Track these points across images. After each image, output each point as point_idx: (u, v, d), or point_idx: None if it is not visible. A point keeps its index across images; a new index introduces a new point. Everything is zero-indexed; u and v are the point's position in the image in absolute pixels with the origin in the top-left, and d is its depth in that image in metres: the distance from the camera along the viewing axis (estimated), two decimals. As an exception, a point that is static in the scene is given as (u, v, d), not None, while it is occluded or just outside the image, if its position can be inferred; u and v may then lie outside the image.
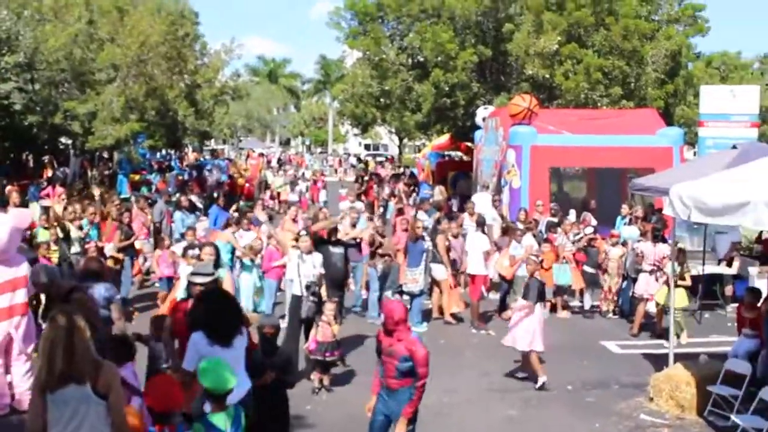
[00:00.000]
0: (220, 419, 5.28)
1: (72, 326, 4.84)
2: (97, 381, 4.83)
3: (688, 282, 12.83)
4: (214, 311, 6.16)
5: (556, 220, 16.15)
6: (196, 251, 10.13)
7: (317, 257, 10.85)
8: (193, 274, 7.58)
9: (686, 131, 24.64)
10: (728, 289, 15.20)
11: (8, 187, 20.23)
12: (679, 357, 10.32)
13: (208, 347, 5.95)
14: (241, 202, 26.19)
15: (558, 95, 26.63)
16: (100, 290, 8.23)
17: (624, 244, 14.80)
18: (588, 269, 14.92)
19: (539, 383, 10.38)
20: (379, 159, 59.65)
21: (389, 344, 6.67)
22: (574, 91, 25.56)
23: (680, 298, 12.34)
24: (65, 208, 15.63)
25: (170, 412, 5.37)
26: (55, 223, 13.68)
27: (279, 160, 49.33)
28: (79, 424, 4.84)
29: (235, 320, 6.28)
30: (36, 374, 4.94)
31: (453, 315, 14.11)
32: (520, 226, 15.22)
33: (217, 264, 9.08)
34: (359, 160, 61.43)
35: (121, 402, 4.97)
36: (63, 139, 29.73)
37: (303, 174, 37.99)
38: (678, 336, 12.14)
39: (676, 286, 11.87)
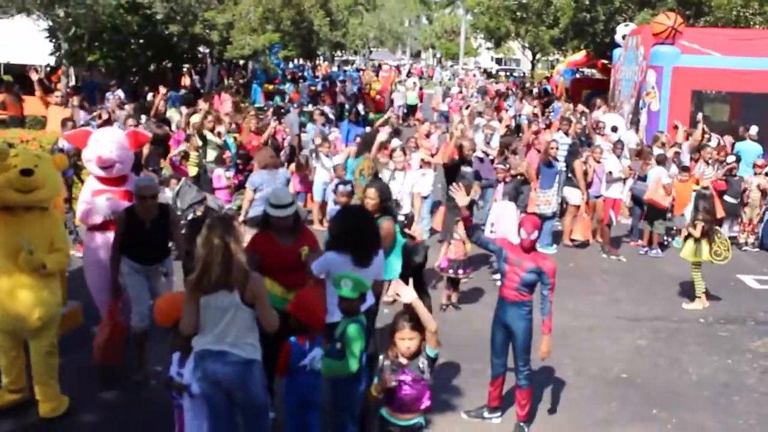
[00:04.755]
0: (363, 318, 5.57)
1: (229, 236, 5.14)
2: (245, 290, 5.16)
3: None
4: (357, 231, 6.09)
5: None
6: (348, 188, 9.29)
7: (411, 176, 10.88)
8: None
9: None
10: None
11: (152, 95, 21.10)
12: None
13: (350, 266, 5.95)
14: (371, 114, 26.41)
15: (706, 12, 25.09)
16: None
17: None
18: (728, 199, 14.28)
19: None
20: (514, 75, 58.26)
21: (518, 255, 6.65)
22: (724, 8, 24.00)
23: None
24: (205, 116, 16.05)
25: (313, 326, 5.64)
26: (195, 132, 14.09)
27: (409, 72, 48.94)
28: (227, 327, 5.18)
29: (375, 239, 6.26)
30: (190, 279, 5.24)
31: (572, 240, 13.94)
32: (657, 150, 14.70)
33: (386, 209, 7.41)
34: (489, 74, 60.29)
35: (267, 308, 5.29)
36: (201, 49, 30.48)
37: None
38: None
39: None
